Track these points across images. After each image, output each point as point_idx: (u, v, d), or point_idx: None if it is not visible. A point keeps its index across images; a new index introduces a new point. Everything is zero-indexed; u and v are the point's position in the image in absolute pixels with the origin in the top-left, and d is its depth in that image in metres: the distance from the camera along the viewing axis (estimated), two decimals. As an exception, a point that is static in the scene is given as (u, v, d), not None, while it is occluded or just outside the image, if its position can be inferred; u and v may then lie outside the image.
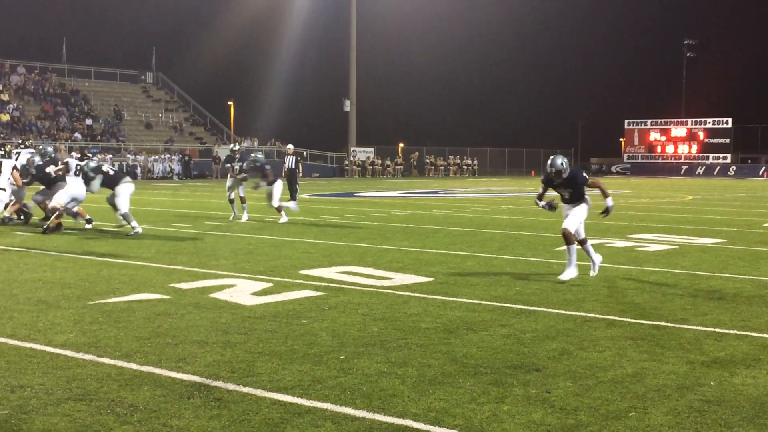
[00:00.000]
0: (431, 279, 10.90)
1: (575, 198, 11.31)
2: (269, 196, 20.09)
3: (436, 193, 39.03)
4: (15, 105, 57.94)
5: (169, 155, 57.83)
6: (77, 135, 57.00)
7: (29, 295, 9.39)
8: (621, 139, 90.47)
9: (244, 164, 20.10)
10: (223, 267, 11.83)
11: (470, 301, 9.33)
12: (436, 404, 5.48)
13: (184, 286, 10.13)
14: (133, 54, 72.68)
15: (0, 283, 10.17)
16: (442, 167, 74.61)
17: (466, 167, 76.11)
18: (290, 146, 30.71)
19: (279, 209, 19.90)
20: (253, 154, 20.65)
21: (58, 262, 12.14)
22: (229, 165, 20.81)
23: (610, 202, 11.29)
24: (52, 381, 5.93)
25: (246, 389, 5.78)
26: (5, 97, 58.35)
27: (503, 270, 11.91)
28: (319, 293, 9.71)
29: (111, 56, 70.39)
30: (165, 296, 9.40)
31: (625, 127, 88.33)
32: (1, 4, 77.22)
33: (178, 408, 5.35)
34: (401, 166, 71.51)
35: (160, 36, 73.43)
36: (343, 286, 10.29)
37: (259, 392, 5.71)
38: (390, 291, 9.94)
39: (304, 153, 62.07)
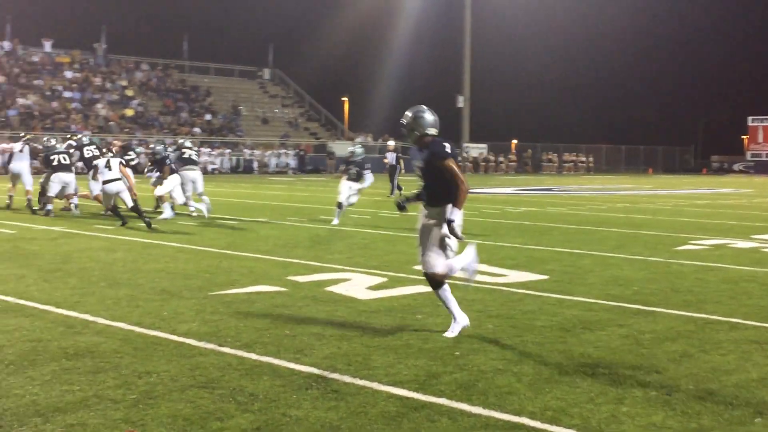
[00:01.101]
0: (546, 277, 10.79)
1: (435, 195, 7.43)
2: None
3: (549, 190, 38.59)
4: (139, 101, 59.85)
5: (284, 150, 58.80)
6: (196, 129, 58.50)
7: (153, 284, 9.70)
8: (744, 137, 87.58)
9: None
10: (338, 261, 11.96)
11: (586, 300, 9.20)
12: (553, 403, 5.43)
13: (300, 279, 10.30)
14: (251, 51, 74.05)
15: (126, 273, 10.54)
16: (556, 164, 73.67)
17: (580, 164, 74.97)
18: (391, 142, 30.95)
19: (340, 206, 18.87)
20: (351, 148, 20.16)
21: (179, 254, 12.51)
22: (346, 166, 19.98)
23: (455, 215, 7.23)
24: (176, 368, 6.13)
25: (362, 382, 5.84)
26: (130, 93, 60.31)
27: (620, 269, 11.69)
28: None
29: (230, 53, 71.85)
30: (282, 289, 9.57)
31: (749, 124, 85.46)
32: (126, 3, 79.97)
33: (296, 398, 5.45)
34: (514, 163, 70.94)
35: (277, 33, 74.71)
36: (457, 282, 10.27)
37: (375, 385, 5.77)
38: (504, 288, 9.89)
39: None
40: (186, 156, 19.95)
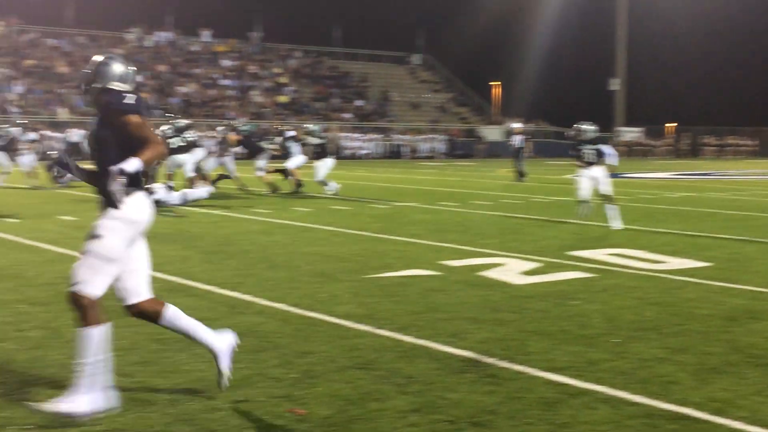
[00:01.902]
0: (709, 264, 10.44)
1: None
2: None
3: (708, 174, 37.23)
4: (292, 87, 61.22)
5: (434, 135, 58.96)
6: (347, 115, 59.38)
7: (310, 267, 9.93)
8: None
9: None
10: (490, 246, 11.92)
11: (753, 288, 8.85)
12: (718, 394, 5.26)
13: (453, 263, 10.31)
14: (401, 37, 74.49)
15: (283, 256, 10.83)
16: (715, 148, 70.90)
17: (743, 148, 71.86)
18: (519, 125, 30.86)
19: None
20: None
21: (334, 237, 12.75)
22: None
23: (131, 165, 4.62)
24: (334, 349, 6.26)
25: (519, 367, 5.81)
26: (284, 80, 61.78)
27: (788, 257, 11.19)
28: (589, 275, 9.57)
29: (380, 39, 72.44)
30: (436, 273, 9.62)
31: None
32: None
33: (453, 381, 5.48)
34: (671, 147, 68.79)
35: (427, 18, 74.86)
36: (614, 268, 10.08)
37: (532, 371, 5.73)
38: (665, 275, 9.62)
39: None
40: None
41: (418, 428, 4.69)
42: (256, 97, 58.07)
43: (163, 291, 8.32)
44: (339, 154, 51.38)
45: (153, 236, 12.43)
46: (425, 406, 5.00)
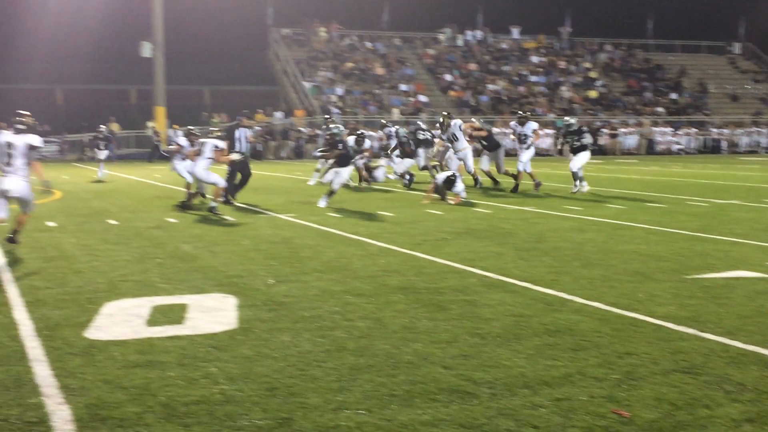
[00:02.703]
0: None
1: None
2: None
3: None
4: (602, 82, 60.11)
5: (756, 128, 55.47)
6: (659, 109, 57.35)
7: (626, 266, 9.70)
8: None
9: None
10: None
11: None
12: None
13: (783, 265, 9.67)
14: (720, 25, 70.58)
15: (598, 253, 10.66)
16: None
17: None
18: None
19: None
20: None
21: (650, 236, 12.36)
22: None
23: None
24: (657, 351, 6.07)
25: None
26: (593, 75, 60.80)
27: None
28: None
29: (697, 29, 69.10)
30: (764, 275, 9.05)
31: None
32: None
33: (790, 392, 5.13)
34: None
35: (747, 5, 70.30)
36: None
37: None
38: None
39: None
40: (421, 138, 22.53)
41: (752, 439, 4.45)
42: (566, 92, 57.59)
43: (481, 286, 8.51)
44: (651, 150, 49.80)
45: (467, 233, 12.73)
46: (760, 416, 4.74)
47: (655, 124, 53.68)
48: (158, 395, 5.20)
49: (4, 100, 48.01)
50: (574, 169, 19.67)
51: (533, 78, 58.77)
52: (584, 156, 19.98)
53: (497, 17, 62.97)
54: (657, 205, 17.18)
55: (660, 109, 57.39)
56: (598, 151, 46.41)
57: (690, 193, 19.82)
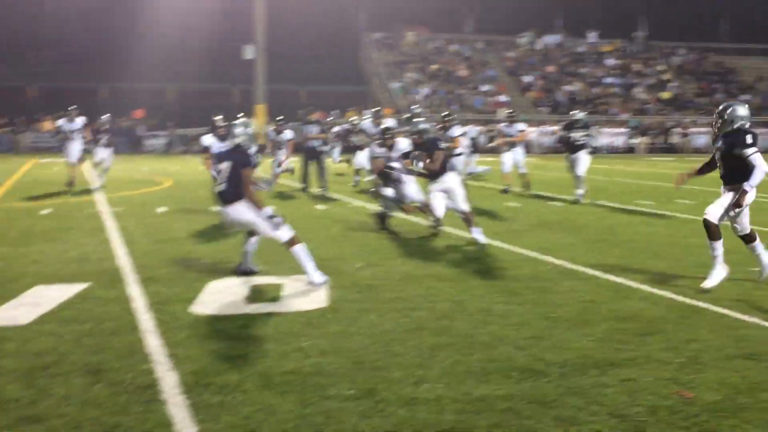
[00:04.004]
0: None
1: None
2: None
3: None
4: (675, 83, 58.76)
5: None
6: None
7: (692, 258, 9.51)
8: None
9: None
10: None
11: None
12: None
13: None
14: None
15: (665, 246, 10.48)
16: None
17: None
18: None
19: None
20: None
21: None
22: None
23: None
24: (720, 338, 5.98)
25: None
26: (667, 77, 59.46)
27: None
28: None
29: (769, 33, 66.85)
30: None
31: None
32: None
33: None
34: None
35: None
36: None
37: None
38: None
39: None
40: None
41: (810, 423, 4.36)
42: (639, 93, 56.48)
43: (554, 274, 8.48)
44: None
45: (542, 224, 12.63)
46: (818, 402, 4.64)
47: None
48: (255, 365, 5.34)
49: (124, 97, 49.46)
50: (581, 173, 16.54)
51: (608, 80, 57.78)
52: (586, 158, 16.70)
53: (575, 22, 62.09)
54: (725, 201, 16.78)
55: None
56: (669, 150, 45.53)
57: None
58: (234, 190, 7.98)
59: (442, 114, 17.13)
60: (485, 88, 53.46)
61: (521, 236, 11.30)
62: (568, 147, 16.90)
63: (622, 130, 47.64)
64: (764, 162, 7.75)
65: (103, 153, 19.97)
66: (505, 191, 18.19)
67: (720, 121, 7.99)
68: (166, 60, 51.80)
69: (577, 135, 16.73)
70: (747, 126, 7.98)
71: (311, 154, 18.55)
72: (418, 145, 11.13)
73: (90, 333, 6.10)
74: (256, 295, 7.49)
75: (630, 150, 45.56)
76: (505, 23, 60.17)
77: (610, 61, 60.28)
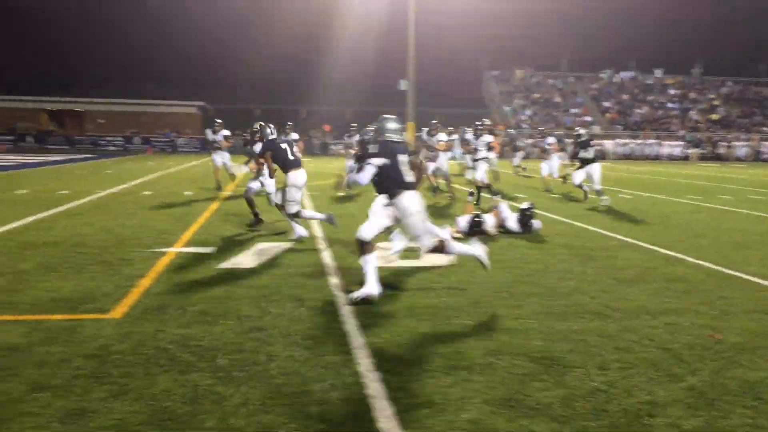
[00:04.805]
0: None
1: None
2: None
3: None
4: (723, 108, 54.90)
5: None
6: (766, 129, 51.62)
7: (729, 238, 9.01)
8: None
9: None
10: None
11: None
12: None
13: None
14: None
15: (708, 229, 9.95)
16: None
17: None
18: None
19: None
20: None
21: (751, 219, 11.35)
22: None
23: None
24: (745, 297, 5.72)
25: None
26: (716, 103, 55.62)
27: None
28: None
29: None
30: (839, 250, 8.14)
31: None
32: (718, 33, 73.09)
33: None
34: None
35: None
36: None
37: None
38: None
39: None
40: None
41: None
42: (694, 115, 53.13)
43: (620, 246, 8.24)
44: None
45: (610, 210, 12.20)
46: (821, 347, 4.38)
47: (764, 139, 48.42)
48: (403, 301, 5.51)
49: (314, 117, 50.88)
50: (598, 187, 13.04)
51: (669, 105, 54.68)
52: (597, 168, 13.25)
53: (645, 61, 59.06)
54: (759, 197, 15.69)
55: (766, 129, 51.69)
56: (715, 158, 42.87)
57: (786, 189, 17.86)
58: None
59: (431, 122, 15.86)
60: (574, 110, 51.75)
61: (593, 218, 10.99)
62: (582, 162, 13.42)
63: (680, 142, 45.14)
64: None
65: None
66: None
67: None
68: (343, 88, 52.96)
69: (587, 151, 13.39)
70: None
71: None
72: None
73: (293, 274, 6.43)
74: (405, 254, 7.64)
75: (685, 158, 43.17)
76: (590, 63, 58.02)
77: (672, 91, 57.00)
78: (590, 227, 9.95)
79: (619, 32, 67.32)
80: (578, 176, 13.44)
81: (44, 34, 63.21)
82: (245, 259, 7.06)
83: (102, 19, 67.50)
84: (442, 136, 14.86)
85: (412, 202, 5.49)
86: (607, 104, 53.80)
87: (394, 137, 5.68)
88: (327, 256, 7.34)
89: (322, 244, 8.14)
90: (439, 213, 11.18)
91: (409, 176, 5.57)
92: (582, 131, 14.02)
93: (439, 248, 5.58)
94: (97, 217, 10.16)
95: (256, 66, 57.18)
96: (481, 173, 13.31)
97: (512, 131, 26.78)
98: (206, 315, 5.00)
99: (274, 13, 61.24)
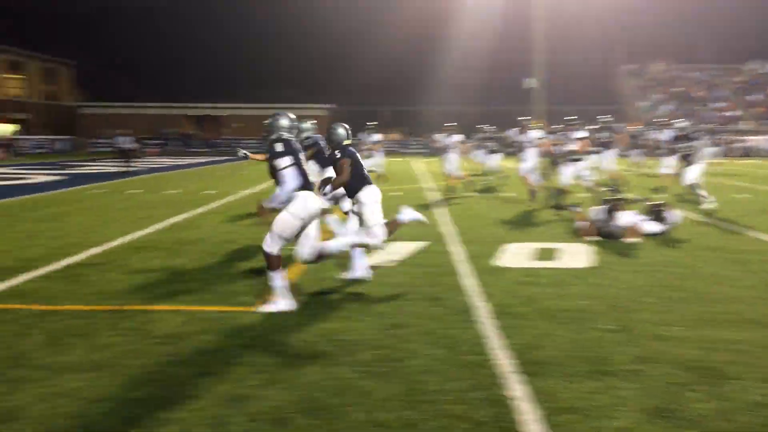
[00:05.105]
0: None
1: None
2: None
3: None
4: None
5: None
6: None
7: None
8: None
9: None
10: None
11: None
12: None
13: None
14: None
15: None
16: None
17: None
18: None
19: None
20: None
21: None
22: None
23: None
24: None
25: None
26: None
27: None
28: None
29: None
30: None
31: None
32: None
33: None
34: None
35: None
36: None
37: None
38: None
39: None
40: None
41: None
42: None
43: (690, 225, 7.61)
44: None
45: (762, 211, 11.17)
46: None
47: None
48: (539, 303, 5.41)
49: (428, 117, 51.13)
50: (690, 182, 11.74)
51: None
52: (696, 168, 11.73)
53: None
54: None
55: None
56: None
57: None
58: None
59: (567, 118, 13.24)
60: (716, 105, 48.31)
61: (745, 219, 10.19)
62: (681, 160, 12.11)
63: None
64: None
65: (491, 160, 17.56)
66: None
67: None
68: (464, 89, 52.85)
69: (684, 146, 11.96)
70: None
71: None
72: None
73: (429, 274, 6.48)
74: (539, 254, 7.50)
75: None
76: (732, 54, 53.95)
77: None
78: (741, 229, 9.26)
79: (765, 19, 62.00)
80: (690, 174, 11.76)
81: (182, 40, 67.93)
82: (380, 258, 7.19)
83: (230, 30, 71.77)
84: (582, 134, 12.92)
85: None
86: (750, 98, 49.75)
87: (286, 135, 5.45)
88: (459, 255, 7.33)
89: (455, 243, 8.13)
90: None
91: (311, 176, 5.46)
92: (683, 124, 12.66)
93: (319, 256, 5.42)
94: (241, 216, 10.78)
95: (381, 67, 58.23)
96: (568, 177, 11.91)
97: (647, 128, 25.32)
98: (347, 311, 5.16)
99: (391, 16, 62.12)
